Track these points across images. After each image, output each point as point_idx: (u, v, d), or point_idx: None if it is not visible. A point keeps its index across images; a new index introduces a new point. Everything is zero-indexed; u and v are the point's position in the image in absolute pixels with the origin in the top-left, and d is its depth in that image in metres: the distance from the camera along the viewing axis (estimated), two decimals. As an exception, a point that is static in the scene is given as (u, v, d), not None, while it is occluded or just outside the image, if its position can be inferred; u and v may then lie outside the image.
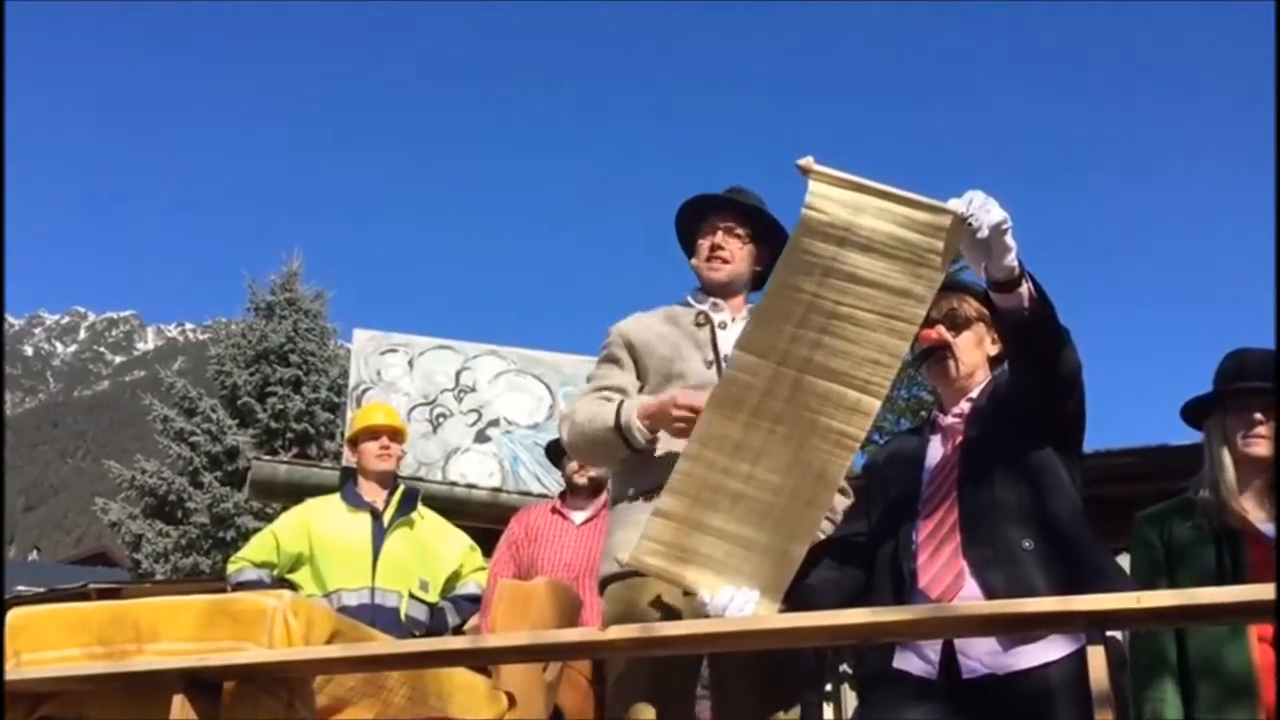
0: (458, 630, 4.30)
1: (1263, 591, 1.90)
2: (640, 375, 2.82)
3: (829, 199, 2.16)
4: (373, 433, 4.49)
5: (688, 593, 2.36)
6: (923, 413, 2.86)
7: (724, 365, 2.72)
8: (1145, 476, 5.23)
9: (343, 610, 4.00)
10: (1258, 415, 2.82)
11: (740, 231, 2.88)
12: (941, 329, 2.59)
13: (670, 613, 2.51)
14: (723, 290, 2.88)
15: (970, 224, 2.14)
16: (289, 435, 20.54)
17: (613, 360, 2.86)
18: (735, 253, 2.87)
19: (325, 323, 22.17)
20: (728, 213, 2.90)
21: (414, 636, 4.02)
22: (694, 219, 2.95)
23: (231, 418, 20.90)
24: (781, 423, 2.24)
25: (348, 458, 4.77)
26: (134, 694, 2.35)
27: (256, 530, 17.80)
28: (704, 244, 2.90)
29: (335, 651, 2.37)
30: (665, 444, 2.66)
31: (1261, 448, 2.81)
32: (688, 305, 2.92)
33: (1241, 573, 2.73)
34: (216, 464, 20.56)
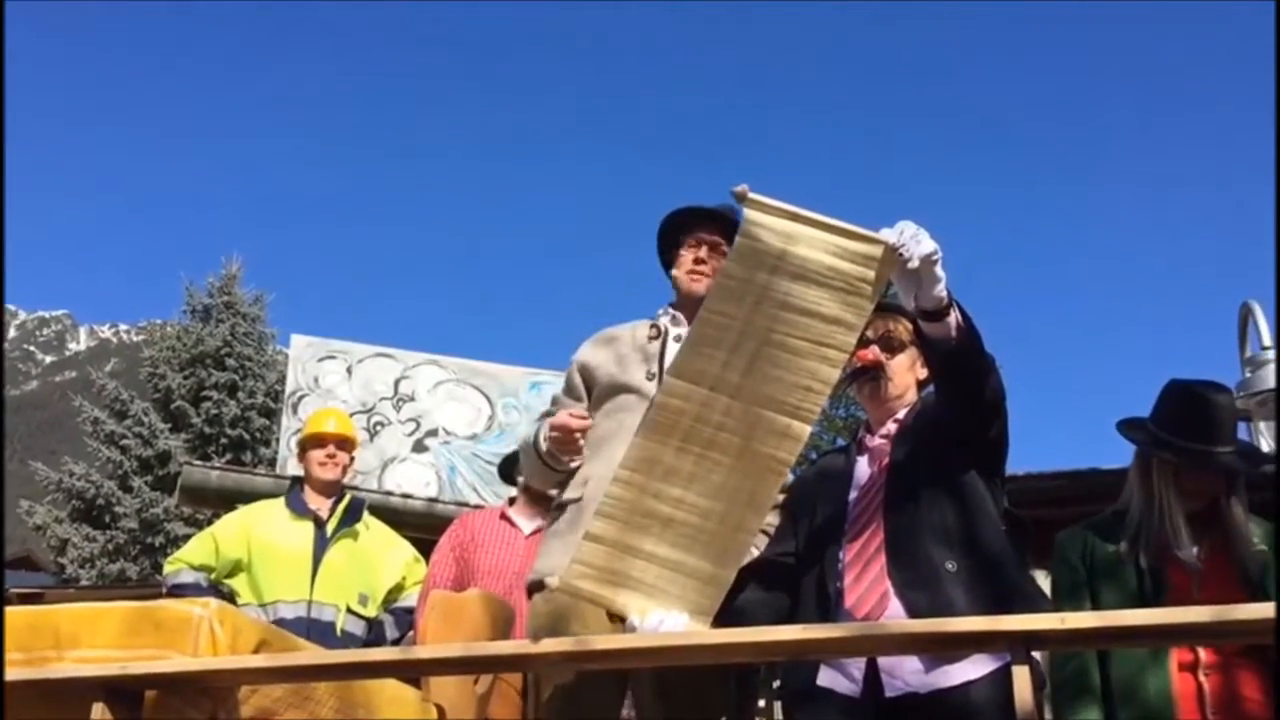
0: (399, 643, 4.25)
1: (1184, 614, 1.94)
2: (589, 396, 2.86)
3: (763, 227, 2.20)
4: (319, 440, 4.43)
5: (616, 617, 2.36)
6: (856, 431, 2.91)
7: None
8: (1074, 499, 5.31)
9: (278, 623, 3.94)
10: (1207, 478, 2.78)
11: (723, 247, 2.86)
12: (876, 349, 2.62)
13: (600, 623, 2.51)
14: (699, 304, 2.87)
15: (901, 254, 2.18)
16: (223, 441, 20.23)
17: (568, 386, 2.93)
18: (718, 267, 2.82)
19: (264, 327, 21.88)
20: (713, 227, 2.88)
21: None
22: (677, 231, 2.94)
23: (164, 422, 20.54)
24: (713, 448, 2.27)
25: (297, 464, 4.70)
26: (52, 703, 2.30)
27: (186, 536, 17.49)
28: (687, 255, 2.89)
29: (261, 661, 2.34)
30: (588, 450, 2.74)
31: (1201, 502, 2.83)
32: (654, 319, 2.93)
33: (1162, 595, 2.78)
34: (147, 468, 20.18)
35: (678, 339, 2.81)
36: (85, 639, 2.38)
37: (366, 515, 4.45)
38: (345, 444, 4.46)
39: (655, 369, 2.79)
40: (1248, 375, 8.00)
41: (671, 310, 2.90)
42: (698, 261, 2.86)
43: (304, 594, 4.12)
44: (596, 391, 2.84)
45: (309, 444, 4.46)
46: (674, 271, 2.93)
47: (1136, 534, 2.84)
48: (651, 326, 2.88)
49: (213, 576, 4.24)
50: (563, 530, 2.69)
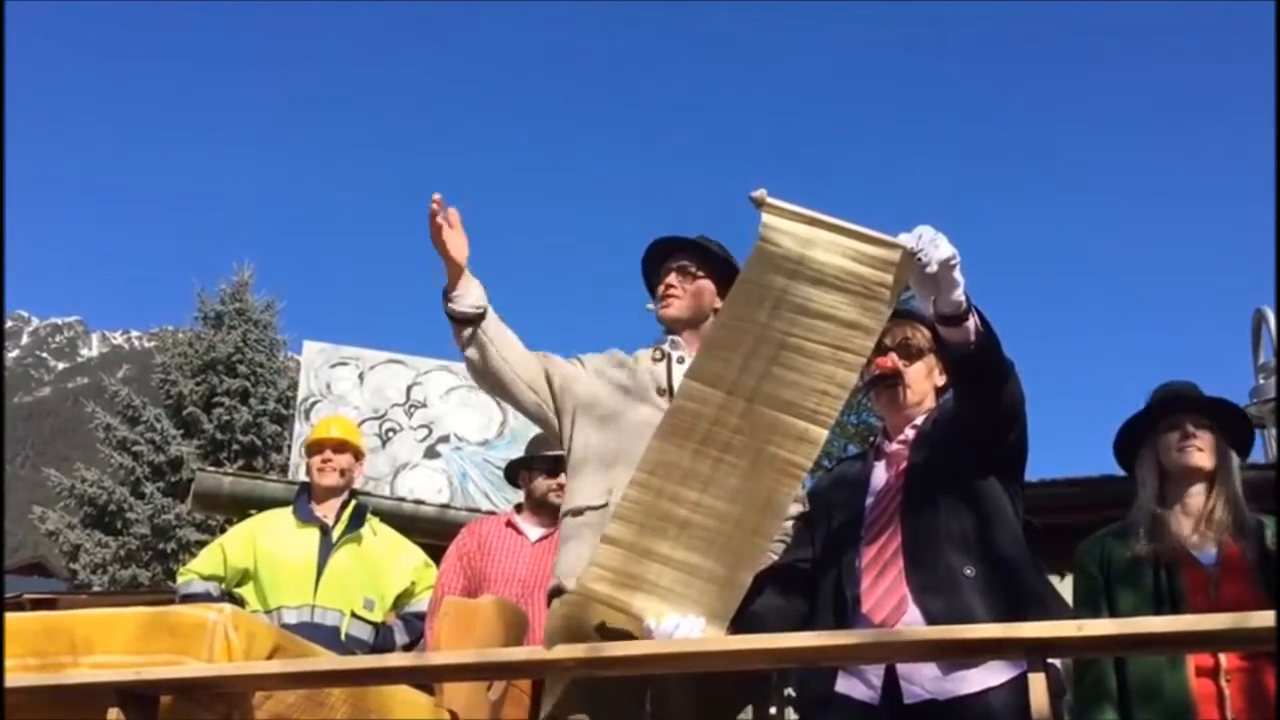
0: (409, 648, 4.25)
1: (1201, 622, 1.94)
2: (579, 403, 2.85)
3: (781, 231, 2.19)
4: (316, 446, 4.46)
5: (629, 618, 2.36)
6: (872, 438, 2.92)
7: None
8: (1087, 506, 5.30)
9: (283, 629, 3.95)
10: (1190, 426, 2.90)
11: (691, 269, 2.92)
12: (895, 357, 2.62)
13: (617, 631, 2.51)
14: (677, 327, 2.92)
15: (919, 259, 2.17)
16: (235, 447, 20.27)
17: (560, 363, 2.92)
18: (685, 288, 2.91)
19: (275, 334, 21.93)
20: (677, 252, 2.95)
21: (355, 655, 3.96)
22: (653, 266, 3.01)
23: (176, 428, 20.59)
24: (730, 451, 2.26)
25: (305, 472, 4.73)
26: (67, 708, 2.30)
27: (198, 542, 17.44)
28: (659, 288, 2.95)
29: (276, 667, 2.33)
30: (592, 465, 2.74)
31: (1198, 458, 2.90)
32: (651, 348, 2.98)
33: (1178, 596, 2.78)
34: (159, 474, 20.23)
35: (680, 360, 2.85)
36: (100, 644, 2.38)
37: (375, 521, 4.45)
38: (341, 447, 4.44)
39: (665, 385, 2.83)
40: (1261, 381, 7.98)
41: (669, 337, 2.94)
42: (666, 287, 2.92)
43: (307, 599, 4.13)
44: (607, 400, 2.85)
45: (308, 451, 4.52)
46: (649, 306, 2.99)
47: (1148, 522, 2.87)
48: (655, 350, 2.93)
49: (222, 586, 4.27)
50: (586, 533, 2.67)
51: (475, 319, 2.79)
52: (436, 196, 2.73)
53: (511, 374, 2.83)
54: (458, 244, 2.77)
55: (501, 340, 2.83)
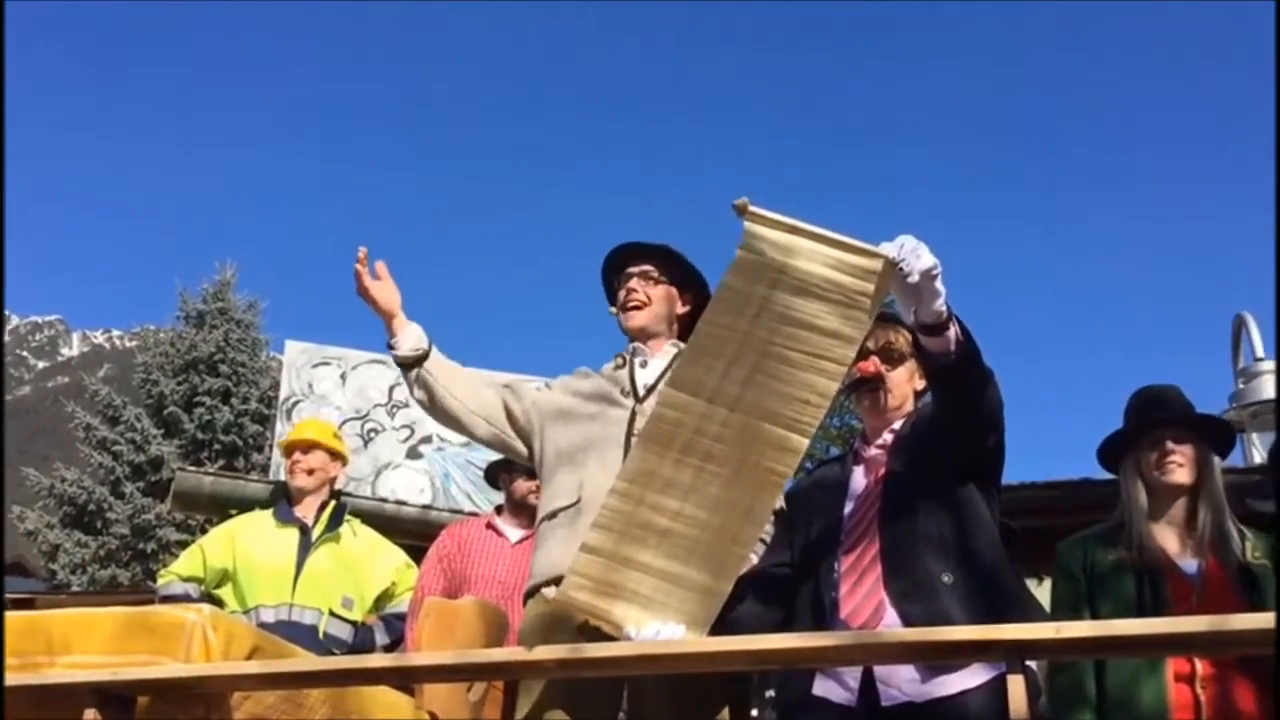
0: (390, 649, 4.24)
1: (1180, 624, 1.95)
2: (538, 412, 2.89)
3: (763, 240, 2.19)
4: (288, 448, 4.48)
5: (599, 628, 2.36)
6: (851, 441, 2.93)
7: (640, 396, 2.79)
8: (1066, 510, 5.32)
9: (260, 627, 3.94)
10: (1169, 444, 2.90)
11: (654, 275, 2.93)
12: (877, 361, 2.62)
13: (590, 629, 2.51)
14: (642, 335, 2.92)
15: (901, 268, 2.18)
16: (216, 447, 20.18)
17: (527, 389, 2.97)
18: (649, 294, 2.91)
19: (257, 333, 21.83)
20: (638, 258, 2.95)
21: (333, 655, 3.95)
22: (613, 274, 3.01)
23: (157, 427, 20.48)
24: (711, 460, 2.26)
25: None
26: (44, 708, 2.29)
27: (178, 543, 17.28)
28: (621, 295, 2.95)
29: (255, 668, 2.33)
30: (563, 467, 2.76)
31: (1179, 474, 2.90)
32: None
33: (1162, 605, 2.79)
34: (139, 474, 20.12)
35: (643, 364, 2.87)
36: (78, 644, 2.37)
37: (355, 522, 4.46)
38: (310, 448, 4.43)
39: (628, 387, 2.84)
40: (1241, 387, 8.04)
41: (632, 344, 2.95)
42: (628, 294, 2.92)
43: (285, 598, 4.12)
44: (576, 407, 2.87)
45: (283, 453, 4.54)
46: (611, 309, 2.99)
47: (1131, 534, 2.88)
48: (617, 357, 2.94)
49: (202, 587, 4.26)
50: (560, 532, 2.68)
51: (418, 361, 2.85)
52: (362, 254, 2.80)
53: (461, 408, 2.88)
54: (384, 293, 2.84)
55: (449, 377, 2.88)
